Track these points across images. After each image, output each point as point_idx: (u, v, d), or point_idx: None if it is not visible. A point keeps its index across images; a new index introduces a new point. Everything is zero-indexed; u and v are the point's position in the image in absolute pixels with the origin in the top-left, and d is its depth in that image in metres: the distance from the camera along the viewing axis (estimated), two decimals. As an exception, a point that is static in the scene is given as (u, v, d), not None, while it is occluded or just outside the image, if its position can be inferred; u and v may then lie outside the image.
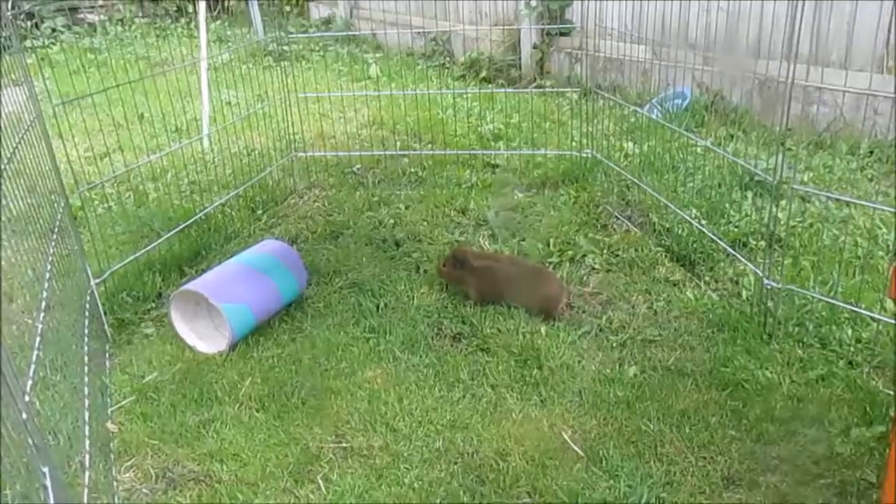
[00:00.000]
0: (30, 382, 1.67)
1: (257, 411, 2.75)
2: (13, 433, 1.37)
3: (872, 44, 4.83)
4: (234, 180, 4.46)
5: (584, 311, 3.31)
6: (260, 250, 3.46)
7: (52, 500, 1.42)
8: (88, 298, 3.08)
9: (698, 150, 4.42)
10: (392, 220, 4.23)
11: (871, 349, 2.86)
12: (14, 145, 2.43)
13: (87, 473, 2.09)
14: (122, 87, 3.54)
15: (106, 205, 4.37)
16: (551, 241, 3.89)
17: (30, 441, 1.43)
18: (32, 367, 1.88)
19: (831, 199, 3.82)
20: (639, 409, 2.66)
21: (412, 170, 4.94)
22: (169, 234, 3.76)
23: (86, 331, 2.83)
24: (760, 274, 3.06)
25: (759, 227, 3.70)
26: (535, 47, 7.16)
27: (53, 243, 2.71)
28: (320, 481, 2.42)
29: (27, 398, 1.57)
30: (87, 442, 2.22)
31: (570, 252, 3.77)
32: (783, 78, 2.87)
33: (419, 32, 8.13)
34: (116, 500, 2.32)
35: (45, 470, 1.45)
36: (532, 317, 3.24)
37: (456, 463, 2.47)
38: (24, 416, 1.48)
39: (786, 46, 2.91)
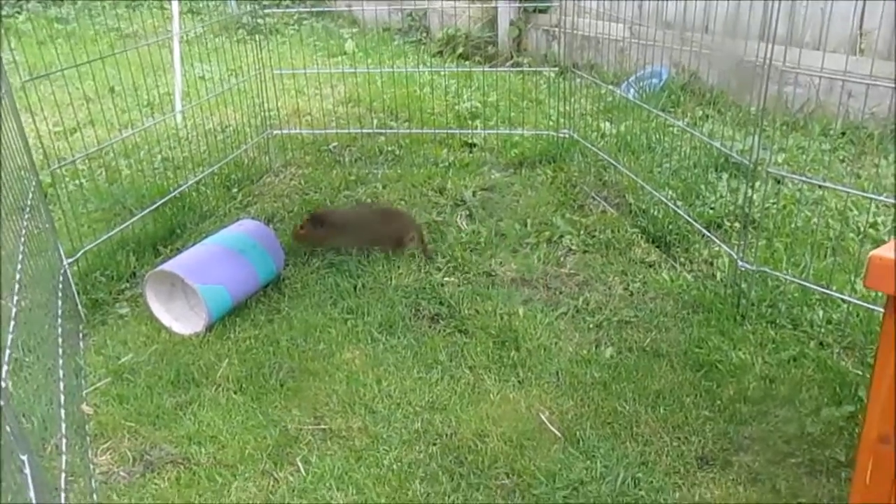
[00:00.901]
0: (5, 368, 1.65)
1: (235, 393, 2.74)
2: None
3: (847, 25, 4.87)
4: (208, 158, 4.39)
5: (560, 293, 3.33)
6: (236, 230, 3.43)
7: (31, 490, 1.41)
8: (61, 278, 3.03)
9: (674, 130, 4.44)
10: (369, 200, 4.21)
11: (841, 330, 2.91)
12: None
13: (63, 457, 2.08)
14: (89, 62, 3.46)
15: (77, 182, 4.29)
16: (528, 221, 3.90)
17: (7, 429, 1.41)
18: (7, 351, 1.86)
19: (805, 182, 3.86)
20: (615, 390, 2.70)
21: (389, 148, 4.91)
22: (143, 213, 3.71)
23: (59, 311, 2.79)
24: (735, 256, 3.10)
25: (733, 209, 3.74)
26: (512, 24, 7.12)
27: (25, 222, 2.65)
28: (299, 463, 2.42)
29: (3, 384, 1.54)
30: (63, 425, 2.20)
31: (547, 233, 3.79)
32: (759, 59, 2.89)
33: (394, 7, 8.03)
34: (94, 484, 2.31)
35: (24, 458, 1.43)
36: (389, 255, 3.56)
37: (435, 444, 2.48)
38: (2, 402, 1.46)
39: (761, 27, 2.94)
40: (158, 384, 2.77)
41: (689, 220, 3.53)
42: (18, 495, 1.37)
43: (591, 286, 3.37)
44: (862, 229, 3.57)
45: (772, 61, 2.90)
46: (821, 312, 3.01)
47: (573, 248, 3.68)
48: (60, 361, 2.51)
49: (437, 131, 4.95)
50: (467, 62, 6.96)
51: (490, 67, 6.04)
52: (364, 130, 5.05)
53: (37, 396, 2.29)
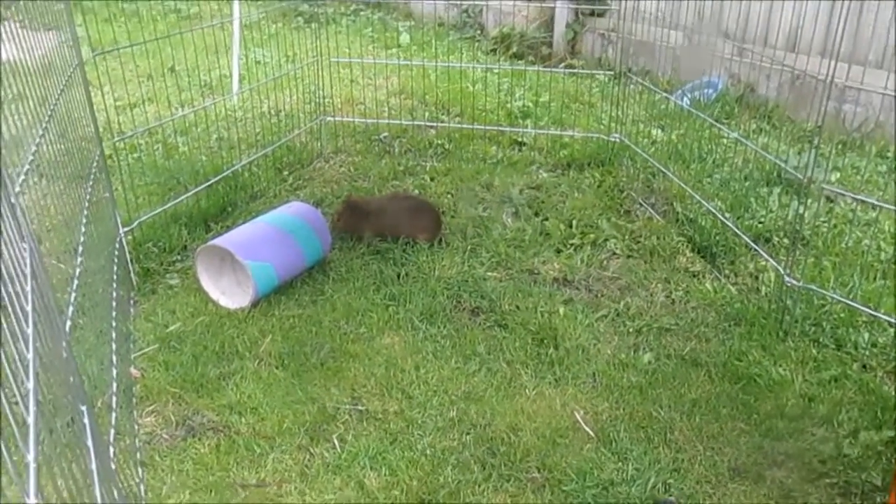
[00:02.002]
0: (69, 323, 1.72)
1: (277, 368, 2.81)
2: (55, 369, 1.42)
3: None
4: (262, 140, 4.48)
5: (602, 295, 3.34)
6: (286, 211, 3.50)
7: (89, 438, 1.47)
8: (117, 246, 3.13)
9: (727, 141, 4.41)
10: (417, 191, 4.26)
11: (886, 354, 2.88)
12: (59, 91, 2.46)
13: (112, 413, 2.15)
14: (155, 40, 3.56)
15: (135, 155, 4.41)
16: (574, 222, 3.91)
17: (71, 379, 1.48)
18: (70, 307, 1.94)
19: (858, 200, 3.81)
20: (651, 396, 2.70)
21: (439, 142, 4.95)
22: (197, 189, 3.81)
23: (114, 277, 2.88)
24: (781, 271, 3.08)
25: (783, 224, 3.70)
26: (568, 26, 7.11)
27: (89, 189, 2.75)
28: (335, 440, 2.47)
29: (66, 338, 1.62)
30: (114, 384, 2.28)
31: (591, 235, 3.79)
32: (821, 75, 2.86)
33: (451, 3, 8.08)
34: (137, 443, 2.39)
35: (84, 409, 1.50)
36: (433, 245, 3.66)
37: (468, 433, 2.52)
38: (65, 354, 1.53)
39: (824, 43, 2.91)
40: (203, 354, 2.85)
41: (737, 232, 3.50)
42: (79, 442, 1.44)
43: (633, 291, 3.37)
44: (914, 254, 3.51)
45: (833, 78, 2.87)
46: (866, 335, 2.97)
47: (617, 252, 3.68)
48: (113, 324, 2.60)
49: (487, 128, 4.98)
50: (521, 61, 6.97)
51: (544, 68, 6.04)
52: (415, 122, 5.09)
53: (88, 356, 2.37)
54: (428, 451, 2.43)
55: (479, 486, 2.31)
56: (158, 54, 4.77)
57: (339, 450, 2.44)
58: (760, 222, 3.78)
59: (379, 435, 2.50)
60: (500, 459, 2.41)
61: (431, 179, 4.44)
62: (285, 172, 4.51)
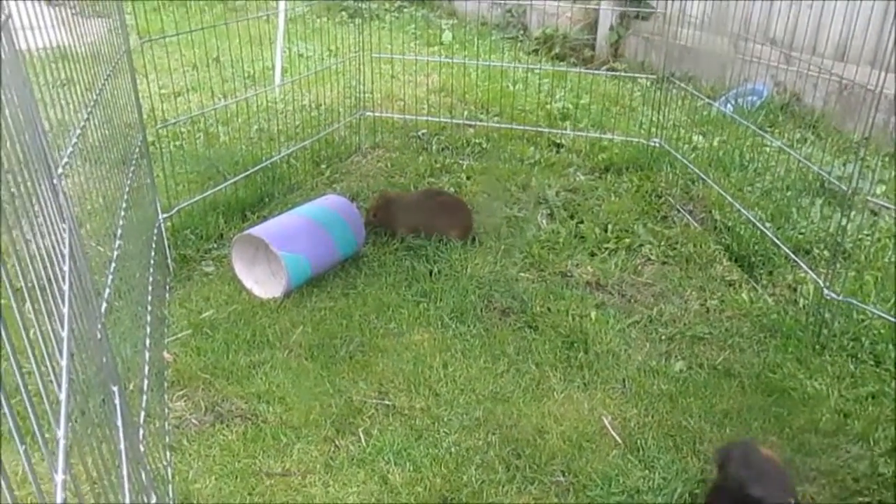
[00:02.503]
0: (104, 305, 1.75)
1: (306, 359, 2.82)
2: (90, 350, 1.45)
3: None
4: (301, 132, 4.52)
5: (635, 301, 3.30)
6: (322, 204, 3.52)
7: (119, 418, 1.50)
8: (156, 231, 3.18)
9: (769, 150, 4.33)
10: (453, 189, 4.25)
11: (926, 372, 2.80)
12: (105, 76, 2.51)
13: (144, 397, 2.19)
14: (201, 30, 3.61)
15: (177, 143, 4.48)
16: (609, 226, 3.87)
17: (104, 360, 1.50)
18: (108, 290, 1.97)
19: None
20: (681, 404, 2.66)
21: (476, 140, 4.94)
22: (235, 179, 3.85)
23: (151, 262, 2.93)
24: (821, 283, 3.01)
25: (824, 236, 3.63)
26: (611, 29, 7.05)
27: (130, 174, 2.79)
28: (361, 434, 2.48)
29: (101, 320, 1.64)
30: (146, 367, 2.32)
31: (627, 240, 3.75)
32: (871, 85, 2.79)
33: (495, 3, 8.06)
34: (167, 426, 2.42)
35: (115, 389, 1.52)
36: (466, 244, 3.66)
37: (494, 433, 2.51)
38: (100, 336, 1.56)
39: (875, 52, 2.85)
40: (235, 342, 2.88)
41: (777, 242, 3.44)
42: (109, 422, 1.46)
43: (667, 298, 3.33)
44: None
45: (883, 89, 2.80)
46: (906, 352, 2.90)
47: (652, 258, 3.64)
48: (148, 308, 2.64)
49: (525, 128, 4.96)
50: (562, 63, 6.93)
51: (585, 69, 5.99)
52: (454, 120, 5.09)
53: (123, 339, 2.41)
54: (453, 449, 2.43)
55: (503, 486, 2.30)
56: (204, 44, 4.83)
57: (364, 443, 2.44)
58: (801, 233, 3.70)
59: (404, 430, 2.50)
60: (524, 461, 2.40)
61: (468, 178, 4.44)
62: (323, 165, 4.54)
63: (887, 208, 3.81)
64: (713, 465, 2.29)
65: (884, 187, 4.26)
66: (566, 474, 2.36)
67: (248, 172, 3.94)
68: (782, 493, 1.99)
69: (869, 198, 3.03)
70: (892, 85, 3.22)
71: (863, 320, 3.05)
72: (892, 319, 2.89)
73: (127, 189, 2.71)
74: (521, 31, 7.93)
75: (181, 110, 4.36)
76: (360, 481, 2.30)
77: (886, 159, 4.67)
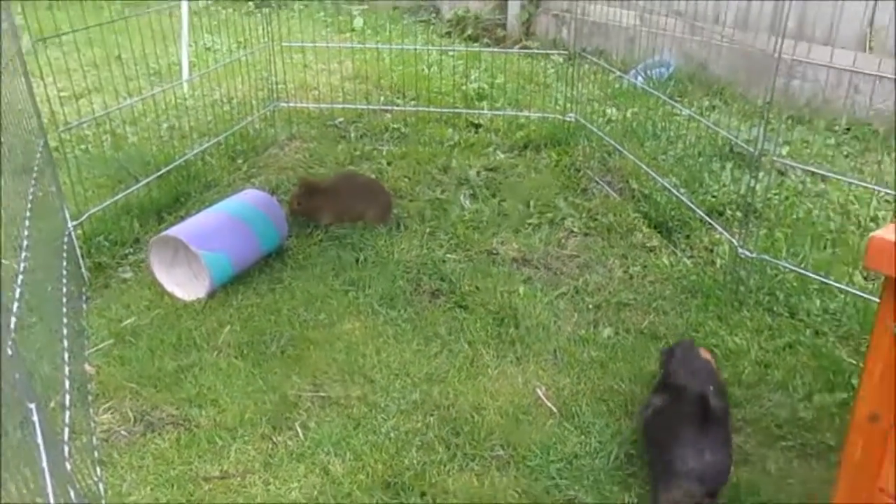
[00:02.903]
0: (14, 320, 1.67)
1: (236, 359, 2.77)
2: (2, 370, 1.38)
3: (857, 22, 4.87)
4: (214, 128, 4.40)
5: (561, 273, 3.36)
6: (241, 199, 3.44)
7: (39, 436, 1.44)
8: (66, 240, 3.05)
9: (680, 118, 4.45)
10: (374, 176, 4.22)
11: (837, 320, 2.95)
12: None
13: (66, 413, 2.11)
14: (100, 27, 3.47)
15: (83, 147, 4.30)
16: (531, 202, 3.92)
17: (16, 376, 1.44)
18: (16, 304, 1.88)
19: (807, 172, 3.89)
20: (612, 369, 2.73)
21: (395, 126, 4.91)
22: (147, 180, 3.73)
23: (63, 273, 2.81)
24: (735, 243, 3.13)
25: (736, 198, 3.76)
26: (522, 7, 7.10)
27: (33, 183, 2.67)
28: (298, 428, 2.45)
29: (12, 335, 1.57)
30: (67, 382, 2.23)
31: (549, 214, 3.81)
32: (770, 51, 2.90)
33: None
34: (95, 441, 2.34)
35: (32, 406, 1.46)
36: (391, 230, 3.65)
37: (432, 415, 2.52)
38: (10, 352, 1.49)
39: (772, 20, 2.96)
40: (160, 347, 2.80)
41: (692, 206, 3.55)
42: (27, 442, 1.40)
43: (592, 268, 3.39)
44: (862, 223, 3.59)
45: (781, 54, 2.91)
46: (818, 302, 3.04)
47: (575, 230, 3.70)
48: (64, 321, 2.53)
49: (443, 110, 4.96)
50: (476, 44, 6.94)
51: (499, 49, 6.03)
52: (370, 107, 5.05)
53: (39, 355, 2.31)
54: (392, 435, 2.43)
55: (444, 465, 2.31)
56: (103, 42, 4.64)
57: (302, 437, 2.42)
58: (714, 196, 3.83)
59: (342, 421, 2.49)
60: (464, 439, 2.42)
61: (388, 164, 4.41)
62: (239, 160, 4.43)
63: (793, 167, 3.97)
64: (659, 363, 2.57)
65: (788, 148, 4.45)
66: (505, 448, 2.39)
67: (160, 172, 3.81)
68: (706, 385, 2.24)
69: (775, 158, 3.15)
70: (790, 50, 3.35)
71: (776, 275, 3.18)
72: (803, 272, 3.03)
73: (31, 198, 2.59)
74: (433, 14, 7.91)
75: (84, 112, 4.18)
76: (300, 476, 2.27)
77: (789, 121, 4.87)
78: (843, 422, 2.44)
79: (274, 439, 2.41)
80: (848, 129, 4.78)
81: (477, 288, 3.20)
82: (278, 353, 2.80)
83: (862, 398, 1.57)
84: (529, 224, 3.74)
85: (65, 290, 2.73)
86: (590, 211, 3.85)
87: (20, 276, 2.04)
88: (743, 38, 4.85)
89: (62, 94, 4.63)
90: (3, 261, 2.19)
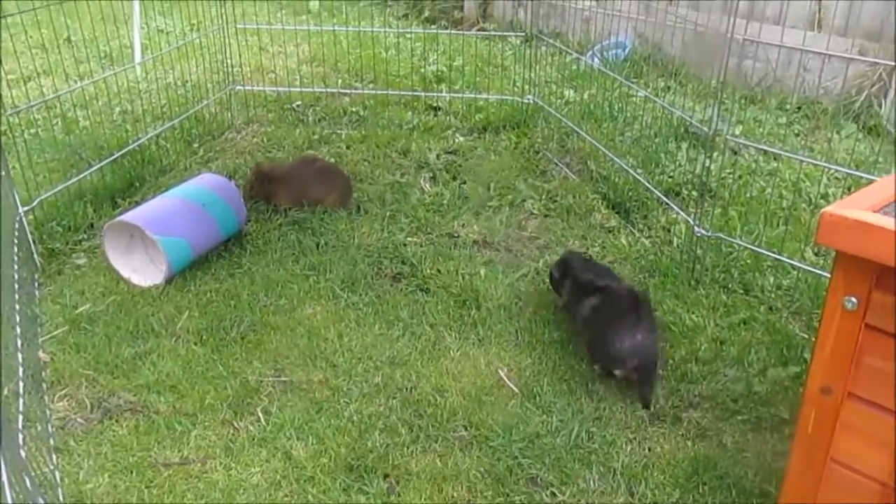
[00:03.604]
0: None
1: (195, 345, 2.73)
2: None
3: (806, 2, 4.97)
4: (168, 112, 4.32)
5: (521, 255, 3.38)
6: (198, 184, 3.39)
7: (-8, 424, 1.40)
8: (17, 226, 2.97)
9: (636, 99, 4.50)
10: (333, 160, 4.19)
11: (790, 296, 3.02)
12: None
13: (20, 400, 2.06)
14: (48, 7, 3.37)
15: (33, 131, 4.18)
16: (491, 185, 3.93)
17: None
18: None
19: (760, 151, 3.96)
20: (572, 350, 2.76)
21: (353, 109, 4.88)
22: (101, 164, 3.64)
23: (14, 259, 2.74)
24: (691, 222, 3.18)
25: (691, 178, 3.82)
26: (479, -11, 7.08)
27: (-20, 168, 2.59)
28: (260, 413, 2.44)
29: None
30: (21, 369, 2.18)
31: (509, 196, 3.82)
32: (722, 31, 2.94)
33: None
34: (50, 429, 2.29)
35: (-16, 394, 1.43)
36: (352, 213, 3.65)
37: (395, 398, 2.52)
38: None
39: (723, 2, 3.00)
40: (117, 334, 2.75)
41: (649, 187, 3.60)
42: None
43: (552, 249, 3.42)
44: (813, 200, 3.68)
45: (733, 34, 2.95)
46: (771, 278, 3.11)
47: (535, 212, 3.73)
48: (17, 308, 2.48)
49: (402, 93, 4.93)
50: (433, 26, 6.91)
51: (456, 31, 6.01)
52: (328, 90, 5.00)
53: (-9, 343, 2.26)
54: (355, 418, 2.42)
55: (408, 447, 2.32)
56: (51, 23, 4.50)
57: (263, 422, 2.40)
58: (670, 177, 3.89)
59: (304, 405, 2.48)
60: (427, 421, 2.43)
61: (347, 147, 4.38)
62: (195, 145, 4.36)
63: (746, 146, 4.05)
64: (555, 279, 2.94)
65: (741, 127, 4.53)
66: (468, 428, 2.41)
67: (114, 157, 3.73)
68: (614, 279, 2.84)
69: (728, 137, 3.21)
70: (742, 30, 3.40)
71: (731, 253, 3.25)
72: (757, 249, 3.09)
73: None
74: (390, -4, 7.85)
75: (33, 95, 4.06)
76: (262, 460, 2.26)
77: (742, 101, 4.96)
78: (797, 395, 2.51)
79: (235, 424, 2.39)
80: (798, 108, 4.89)
81: (438, 271, 3.21)
82: (238, 339, 2.78)
83: (814, 372, 1.61)
84: (490, 206, 3.75)
85: (16, 276, 2.66)
86: (549, 193, 3.88)
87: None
88: (696, 18, 4.91)
89: (9, 76, 4.51)
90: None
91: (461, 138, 4.53)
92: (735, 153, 4.13)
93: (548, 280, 3.03)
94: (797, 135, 4.60)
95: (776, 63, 5.08)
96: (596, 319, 2.63)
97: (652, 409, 2.50)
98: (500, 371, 2.67)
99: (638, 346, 2.49)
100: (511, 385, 2.60)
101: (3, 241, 2.54)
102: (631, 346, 2.49)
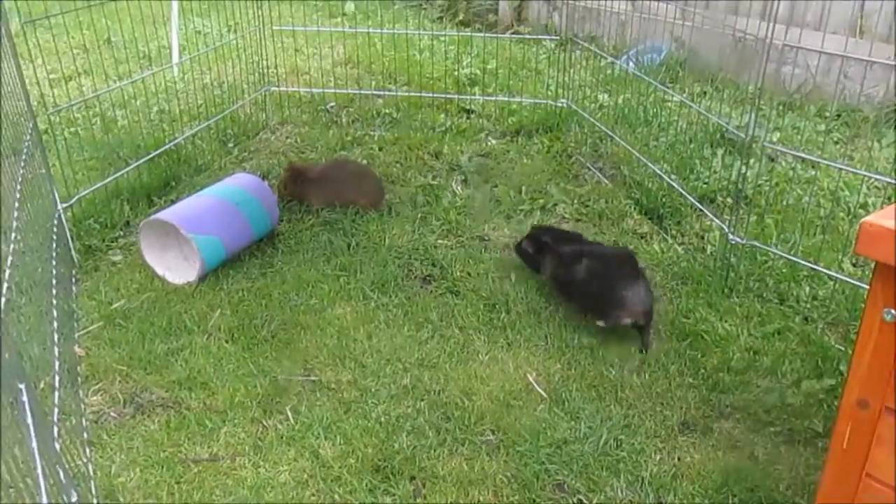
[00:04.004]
0: (3, 301, 1.66)
1: (226, 342, 2.76)
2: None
3: (848, 7, 4.88)
4: (204, 112, 4.38)
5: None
6: (232, 183, 3.43)
7: (28, 416, 1.43)
8: (56, 223, 3.03)
9: (671, 104, 4.45)
10: (365, 161, 4.21)
11: (826, 306, 2.96)
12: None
13: (56, 393, 2.10)
14: (89, 9, 3.43)
15: (73, 129, 4.26)
16: (523, 188, 3.92)
17: (6, 356, 1.43)
18: (5, 285, 1.87)
19: (798, 158, 3.90)
20: (601, 355, 2.74)
21: (386, 111, 4.89)
22: (138, 163, 3.70)
23: (53, 255, 2.79)
24: (726, 229, 3.14)
25: (726, 185, 3.77)
26: (514, -7, 7.07)
27: (22, 165, 2.65)
28: (288, 412, 2.46)
29: (1, 316, 1.56)
30: (57, 363, 2.22)
31: (541, 200, 3.81)
32: (760, 36, 2.90)
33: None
34: (84, 423, 2.33)
35: (21, 386, 1.45)
36: (383, 215, 3.65)
37: (422, 400, 2.52)
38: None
39: (763, 6, 2.96)
40: (150, 330, 2.79)
41: (683, 193, 3.56)
42: (17, 422, 1.39)
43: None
44: (852, 210, 3.61)
45: (772, 40, 2.90)
46: (807, 288, 3.06)
47: (566, 216, 3.71)
48: (54, 303, 2.52)
49: (435, 96, 4.94)
50: (467, 29, 6.92)
51: (490, 34, 6.00)
52: (362, 91, 5.03)
53: (30, 337, 2.30)
54: (382, 419, 2.43)
55: (434, 450, 2.32)
56: (93, 25, 4.60)
57: (292, 421, 2.42)
58: (705, 183, 3.84)
59: (332, 405, 2.49)
60: (454, 424, 2.42)
61: (380, 149, 4.40)
62: (230, 144, 4.41)
63: (783, 153, 3.98)
64: (529, 254, 3.13)
65: (779, 134, 4.46)
66: (495, 432, 2.40)
67: (150, 156, 3.79)
68: (593, 242, 3.19)
69: (766, 144, 3.16)
70: (781, 35, 3.35)
71: (766, 262, 3.19)
72: (793, 259, 3.04)
73: (20, 181, 2.57)
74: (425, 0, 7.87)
75: (74, 95, 4.15)
76: (290, 459, 2.28)
77: (780, 108, 4.88)
78: (831, 408, 2.47)
79: (264, 423, 2.41)
80: (838, 116, 4.80)
81: (468, 274, 3.21)
82: (269, 338, 2.80)
83: (851, 384, 1.58)
84: (521, 210, 3.74)
85: (54, 272, 2.71)
86: (581, 197, 3.85)
87: (9, 258, 2.02)
88: (734, 22, 4.85)
89: (51, 76, 4.60)
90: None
91: (493, 141, 4.53)
92: (772, 160, 4.06)
93: (517, 255, 3.22)
94: (836, 143, 4.52)
95: (816, 69, 5.00)
96: (595, 278, 2.84)
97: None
98: (528, 375, 2.65)
99: (641, 294, 2.77)
100: (539, 390, 2.59)
101: (41, 237, 2.59)
102: (635, 294, 2.76)
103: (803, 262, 3.02)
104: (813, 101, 4.96)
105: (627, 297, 2.76)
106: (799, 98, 5.03)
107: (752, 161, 3.42)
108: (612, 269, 2.85)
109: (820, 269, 2.97)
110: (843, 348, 2.74)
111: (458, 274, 3.20)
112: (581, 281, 2.88)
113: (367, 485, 2.19)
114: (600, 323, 2.82)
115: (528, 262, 3.17)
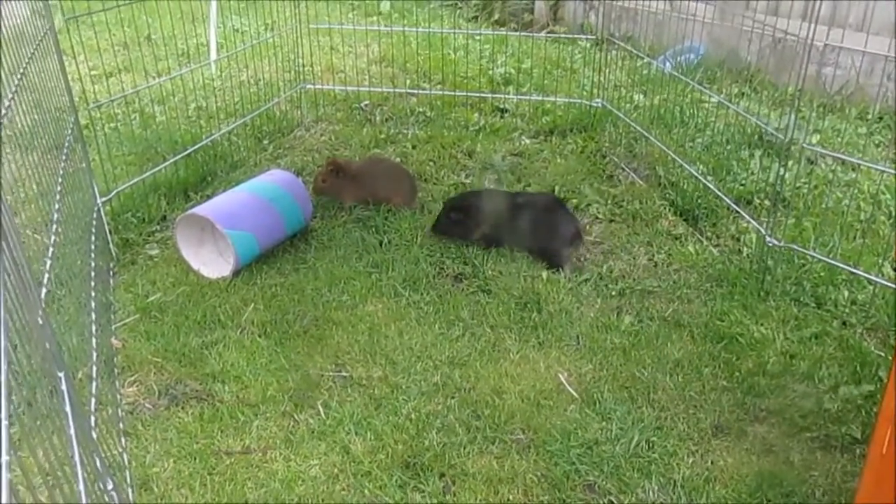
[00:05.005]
0: (45, 292, 1.69)
1: (259, 337, 2.79)
2: (32, 339, 1.40)
3: (891, 7, 4.77)
4: (241, 109, 4.43)
5: (585, 259, 3.34)
6: (267, 179, 3.46)
7: (67, 405, 1.46)
8: (95, 216, 3.09)
9: (709, 105, 4.40)
10: (398, 159, 4.22)
11: (865, 311, 2.90)
12: (28, 57, 2.41)
13: (94, 383, 2.14)
14: (132, 6, 3.49)
15: (112, 125, 4.34)
16: (556, 188, 3.90)
17: (46, 346, 1.46)
18: (47, 276, 1.91)
19: (838, 160, 3.83)
20: (634, 357, 2.72)
21: (420, 109, 4.91)
22: (175, 158, 3.76)
23: (92, 248, 2.85)
24: (763, 232, 3.09)
25: (764, 186, 3.71)
26: (550, -8, 7.04)
27: (63, 159, 2.70)
28: (320, 407, 2.47)
29: (42, 306, 1.59)
30: (94, 354, 2.26)
31: (574, 200, 3.79)
32: (801, 36, 2.85)
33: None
34: (120, 413, 2.37)
35: (61, 375, 1.48)
36: (394, 209, 3.68)
37: (453, 397, 2.52)
38: (41, 321, 1.51)
39: (804, 6, 2.90)
40: (185, 323, 2.83)
41: (719, 194, 3.51)
42: (57, 410, 1.42)
43: (616, 255, 3.37)
44: (893, 213, 3.53)
45: (813, 41, 2.85)
46: (846, 293, 3.00)
47: (600, 216, 3.68)
48: (92, 295, 2.57)
49: (469, 94, 4.94)
50: (502, 28, 6.90)
51: (525, 34, 5.98)
52: (396, 90, 5.05)
53: (68, 327, 2.35)
54: (413, 416, 2.44)
55: (464, 448, 2.32)
56: (133, 23, 4.69)
57: (323, 416, 2.44)
58: (742, 185, 3.79)
59: (363, 401, 2.50)
60: (484, 422, 2.42)
61: (413, 147, 4.41)
62: (265, 141, 4.46)
63: (823, 155, 3.91)
64: (458, 221, 3.35)
65: (819, 136, 4.38)
66: (526, 432, 2.39)
67: (187, 151, 3.84)
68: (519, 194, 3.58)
69: (805, 146, 3.10)
70: (822, 37, 3.29)
71: (803, 265, 3.14)
72: (832, 262, 2.99)
73: (61, 174, 2.62)
74: (460, -2, 7.87)
75: (114, 91, 4.22)
76: (321, 453, 2.29)
77: (820, 109, 4.80)
78: (869, 414, 2.42)
79: (295, 417, 2.43)
80: (880, 118, 4.70)
81: (500, 273, 3.20)
82: (301, 333, 2.82)
83: (890, 390, 1.55)
84: (554, 210, 3.71)
85: (93, 264, 2.76)
86: (615, 197, 3.82)
87: (50, 250, 2.06)
88: (774, 23, 4.77)
89: (93, 72, 4.70)
90: (35, 236, 2.23)
91: (527, 141, 4.52)
92: (811, 162, 3.99)
93: (435, 230, 3.42)
94: (878, 146, 4.43)
95: (858, 71, 4.90)
96: (541, 226, 3.28)
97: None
98: (559, 375, 2.64)
99: (578, 229, 3.33)
100: (571, 390, 2.57)
101: (81, 230, 2.64)
102: (576, 230, 3.31)
103: (842, 266, 2.96)
104: (854, 103, 4.87)
105: (570, 231, 3.26)
106: (840, 100, 4.94)
107: (790, 163, 3.36)
108: (550, 212, 3.31)
109: (859, 272, 2.92)
110: (882, 354, 2.68)
111: (490, 272, 3.20)
112: (526, 232, 3.28)
113: (396, 480, 2.19)
114: (562, 270, 3.20)
115: (451, 231, 3.39)
